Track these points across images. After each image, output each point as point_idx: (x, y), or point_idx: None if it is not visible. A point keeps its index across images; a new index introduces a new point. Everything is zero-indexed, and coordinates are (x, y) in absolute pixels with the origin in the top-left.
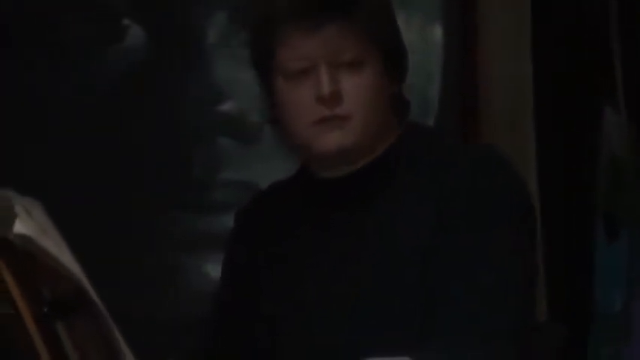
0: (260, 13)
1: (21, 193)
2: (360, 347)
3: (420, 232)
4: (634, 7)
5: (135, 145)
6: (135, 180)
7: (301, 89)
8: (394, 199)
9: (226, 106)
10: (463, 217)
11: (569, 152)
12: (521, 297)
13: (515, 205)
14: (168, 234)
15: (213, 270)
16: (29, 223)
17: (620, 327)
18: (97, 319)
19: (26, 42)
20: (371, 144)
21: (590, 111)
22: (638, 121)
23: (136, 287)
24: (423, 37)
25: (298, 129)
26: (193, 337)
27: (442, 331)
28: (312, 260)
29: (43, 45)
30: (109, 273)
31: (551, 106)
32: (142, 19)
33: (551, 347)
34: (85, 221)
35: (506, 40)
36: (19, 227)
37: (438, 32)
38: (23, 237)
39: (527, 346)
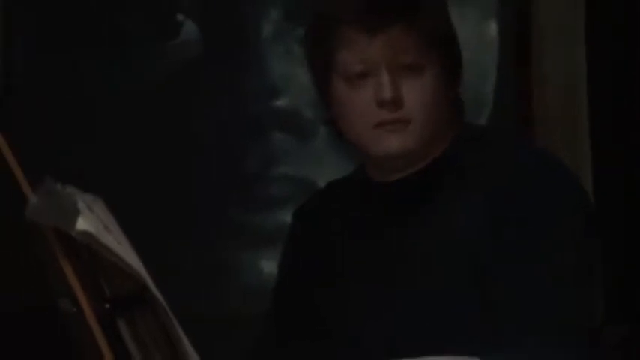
0: (320, 13)
1: (82, 189)
2: (413, 351)
3: (476, 234)
4: None
5: (190, 141)
6: (190, 176)
7: (361, 92)
8: (450, 202)
9: (281, 102)
10: (521, 221)
11: (625, 151)
12: (583, 297)
13: (573, 207)
14: (223, 229)
15: (267, 266)
16: (91, 220)
17: None
18: (159, 316)
19: (84, 37)
20: (429, 147)
21: None
22: None
23: (191, 283)
24: (478, 34)
25: (357, 131)
26: (247, 332)
27: (506, 334)
28: (367, 263)
29: (100, 40)
30: (165, 269)
31: (606, 103)
32: (196, 15)
33: (611, 348)
34: (142, 217)
35: (561, 36)
36: (82, 224)
37: (493, 29)
38: (85, 233)
39: (591, 346)
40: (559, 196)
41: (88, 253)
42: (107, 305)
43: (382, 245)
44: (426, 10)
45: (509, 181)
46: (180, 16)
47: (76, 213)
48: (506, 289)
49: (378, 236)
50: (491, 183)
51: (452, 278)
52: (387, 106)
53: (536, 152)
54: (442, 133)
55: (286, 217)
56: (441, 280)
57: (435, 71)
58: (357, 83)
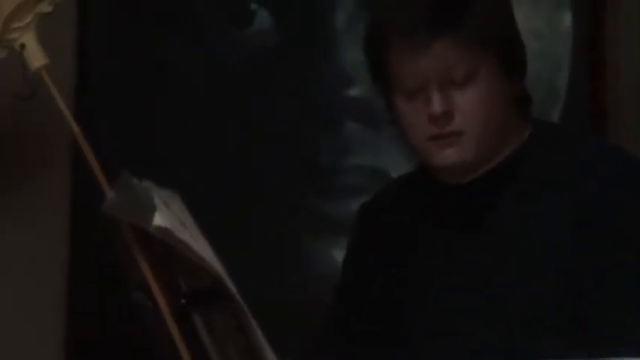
0: (371, 26)
1: (155, 180)
2: (487, 352)
3: (556, 235)
4: None
5: (264, 129)
6: (263, 165)
7: (414, 105)
8: (526, 204)
9: (354, 91)
10: (608, 224)
11: None
12: None
13: None
14: (296, 218)
15: (339, 255)
16: (168, 216)
17: None
18: (234, 310)
19: (158, 25)
20: (492, 152)
21: None
22: None
23: (266, 272)
24: (551, 24)
25: (414, 142)
26: (318, 322)
27: (599, 338)
28: (438, 264)
29: (174, 28)
30: (239, 259)
31: None
32: (270, 4)
33: None
34: (218, 207)
35: (636, 28)
36: (159, 220)
37: (566, 19)
38: (162, 229)
39: None
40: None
41: (163, 248)
42: (182, 300)
43: (455, 247)
44: (478, 17)
45: (595, 186)
46: (254, 5)
47: (152, 209)
48: (598, 299)
49: (450, 238)
50: (574, 186)
51: (531, 282)
52: (437, 120)
53: (617, 154)
54: (510, 133)
55: (359, 206)
56: (519, 283)
57: (491, 73)
58: (411, 98)
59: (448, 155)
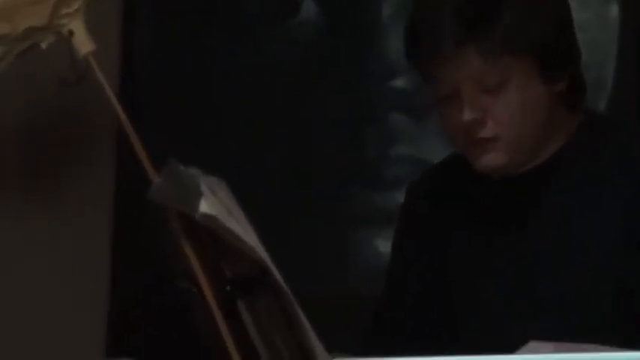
0: (408, 31)
1: (202, 168)
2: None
3: (606, 228)
4: None
5: (309, 119)
6: (309, 155)
7: (450, 111)
8: (571, 197)
9: (399, 82)
10: None
11: None
12: None
13: None
14: (341, 209)
15: (384, 246)
16: (214, 203)
17: None
18: (280, 300)
19: (203, 14)
20: (535, 150)
21: None
22: None
23: (312, 263)
24: (599, 15)
25: (456, 143)
26: (366, 312)
27: None
28: (486, 255)
29: (219, 17)
30: (283, 250)
31: None
32: None
33: None
34: (263, 197)
35: None
36: (205, 207)
37: (614, 10)
38: (208, 216)
39: None
40: None
41: (209, 236)
42: (228, 288)
43: (498, 240)
44: (505, 29)
45: None
46: None
47: (198, 195)
48: None
49: (493, 231)
50: (622, 182)
51: (574, 279)
52: (468, 128)
53: None
54: (555, 128)
55: (404, 197)
56: (571, 277)
57: (525, 79)
58: (447, 103)
59: (486, 160)
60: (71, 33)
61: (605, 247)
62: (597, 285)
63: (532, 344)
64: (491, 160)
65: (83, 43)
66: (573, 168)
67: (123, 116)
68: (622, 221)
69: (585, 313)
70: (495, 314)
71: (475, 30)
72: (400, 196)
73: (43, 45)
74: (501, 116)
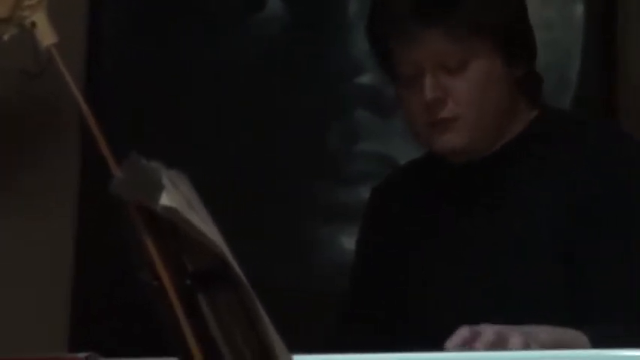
0: (370, 17)
1: (165, 163)
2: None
3: (558, 215)
4: None
5: (273, 115)
6: (272, 151)
7: (412, 93)
8: (527, 183)
9: (365, 79)
10: (609, 200)
11: None
12: None
13: None
14: (305, 205)
15: (348, 242)
16: (176, 196)
17: None
18: (240, 294)
19: (169, 9)
20: (494, 134)
21: None
22: None
23: (275, 258)
24: (564, 14)
25: (414, 129)
26: (329, 308)
27: (596, 309)
28: (446, 243)
29: (185, 12)
30: (245, 244)
31: None
32: None
33: None
34: (227, 193)
35: None
36: (166, 199)
37: (579, 9)
38: (169, 209)
39: None
40: None
41: (170, 229)
42: (188, 281)
43: (460, 224)
44: (468, 9)
45: (596, 170)
46: None
47: (160, 188)
48: (596, 266)
49: (457, 217)
50: (576, 167)
51: (534, 256)
52: (429, 107)
53: (622, 138)
54: (513, 114)
55: (368, 193)
56: (523, 258)
57: (487, 60)
58: (409, 84)
59: (445, 140)
60: (34, 25)
61: (556, 233)
62: (549, 269)
63: (463, 329)
64: (451, 140)
65: (46, 35)
66: (528, 156)
67: (85, 108)
68: (574, 209)
69: (538, 298)
70: (452, 300)
71: (441, 10)
72: (364, 192)
73: (5, 37)
74: (462, 97)
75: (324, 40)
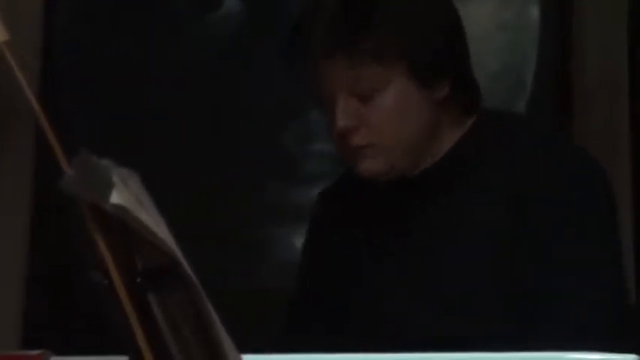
0: (290, 37)
1: (116, 160)
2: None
3: (498, 214)
4: None
5: (228, 114)
6: (227, 149)
7: (330, 119)
8: (470, 188)
9: None
10: (550, 214)
11: None
12: (617, 285)
13: (601, 199)
14: (257, 204)
15: (299, 241)
16: (125, 194)
17: None
18: (190, 292)
19: (125, 5)
20: (415, 156)
21: None
22: None
23: (226, 257)
24: (520, 16)
25: (338, 152)
26: (280, 308)
27: (538, 311)
28: (389, 249)
29: (141, 8)
30: (197, 244)
31: None
32: None
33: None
34: (179, 191)
35: (603, 19)
36: (116, 197)
37: (534, 11)
38: (119, 207)
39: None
40: (589, 190)
41: (120, 227)
42: (138, 280)
43: (404, 235)
44: (374, 37)
45: (531, 167)
46: None
47: (110, 186)
48: (536, 271)
49: (400, 225)
50: (512, 175)
51: (475, 263)
52: (342, 135)
53: (557, 139)
54: (446, 128)
55: None
56: (465, 265)
57: (401, 85)
58: (328, 109)
59: (364, 167)
60: None
61: (493, 246)
62: (487, 281)
63: None
64: (368, 166)
65: None
66: (462, 168)
67: (36, 105)
68: (507, 219)
69: (476, 310)
70: (390, 312)
71: (343, 40)
72: (317, 193)
73: None
74: (375, 124)
75: (280, 38)
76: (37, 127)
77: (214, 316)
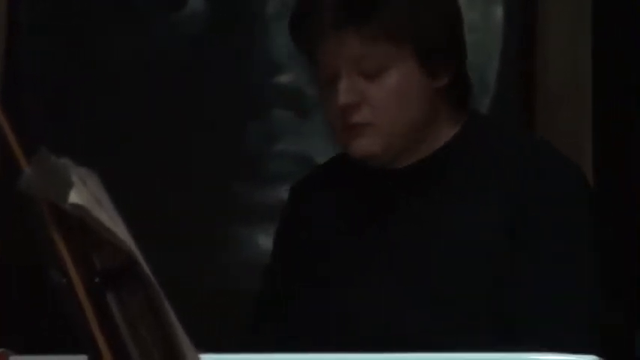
0: (292, 17)
1: (79, 161)
2: (410, 331)
3: (483, 226)
4: None
5: (191, 114)
6: (191, 150)
7: (330, 96)
8: (452, 194)
9: (284, 78)
10: (534, 217)
11: (628, 140)
12: (594, 288)
13: (580, 203)
14: (222, 204)
15: (266, 242)
16: (84, 194)
17: None
18: (148, 292)
19: (89, 5)
20: (413, 142)
21: None
22: None
23: (191, 257)
24: (484, 16)
25: (332, 130)
26: (245, 307)
27: (518, 322)
28: (364, 248)
29: (105, 8)
30: (161, 243)
31: (611, 87)
32: None
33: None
34: (143, 191)
35: (566, 24)
36: (74, 197)
37: (499, 11)
38: (78, 207)
39: (593, 332)
40: (569, 195)
41: (79, 227)
42: (97, 279)
43: (378, 231)
44: (385, 15)
45: (523, 182)
46: None
47: (69, 185)
48: (521, 280)
49: (380, 220)
50: (502, 181)
51: (457, 272)
52: (343, 111)
53: (546, 150)
54: (440, 121)
55: (286, 193)
56: (448, 268)
57: (406, 68)
58: (328, 87)
59: (357, 145)
60: None
61: (480, 244)
62: (473, 281)
63: None
64: (364, 146)
65: None
66: (454, 165)
67: None
68: (497, 219)
69: (459, 308)
70: (370, 307)
71: (355, 14)
72: (283, 193)
73: None
74: (377, 103)
75: (243, 39)
76: None
77: (172, 316)
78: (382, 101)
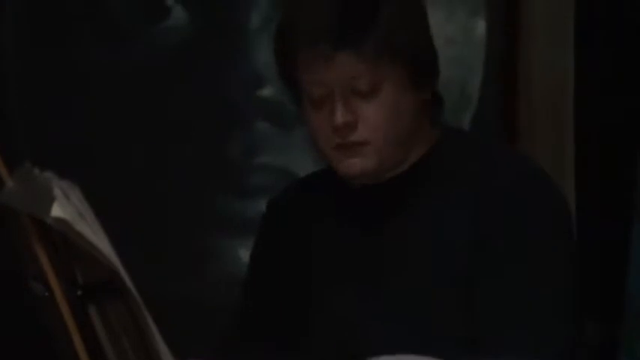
0: (279, 33)
1: (61, 171)
2: (386, 347)
3: (455, 242)
4: None
5: (173, 126)
6: (173, 162)
7: (321, 115)
8: (430, 207)
9: (266, 91)
10: (506, 234)
11: (610, 153)
12: (570, 308)
13: (556, 219)
14: (203, 216)
15: (245, 254)
16: (67, 207)
17: None
18: (130, 305)
19: (72, 18)
20: (398, 159)
21: (632, 105)
22: None
23: (171, 269)
24: (466, 31)
25: (320, 149)
26: (223, 321)
27: (487, 341)
28: (342, 263)
29: (88, 21)
30: (142, 255)
31: (593, 101)
32: (185, 0)
33: (586, 345)
34: (124, 202)
35: (549, 35)
36: (57, 211)
37: (480, 26)
38: (60, 220)
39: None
40: (543, 210)
41: (62, 240)
42: (79, 292)
43: (356, 248)
44: (380, 35)
45: (496, 197)
46: (169, 1)
47: (51, 199)
48: (488, 299)
49: (352, 239)
50: (476, 192)
51: (427, 289)
52: (339, 131)
53: (522, 164)
54: (418, 137)
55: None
56: (421, 283)
57: (396, 86)
58: (318, 106)
59: (351, 164)
60: None
61: (453, 261)
62: (446, 295)
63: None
64: (358, 164)
65: None
66: (430, 179)
67: None
68: (474, 235)
69: (435, 322)
70: (349, 322)
71: (353, 32)
72: (263, 205)
73: None
74: (372, 121)
75: (226, 51)
76: None
77: (153, 327)
78: (377, 119)
